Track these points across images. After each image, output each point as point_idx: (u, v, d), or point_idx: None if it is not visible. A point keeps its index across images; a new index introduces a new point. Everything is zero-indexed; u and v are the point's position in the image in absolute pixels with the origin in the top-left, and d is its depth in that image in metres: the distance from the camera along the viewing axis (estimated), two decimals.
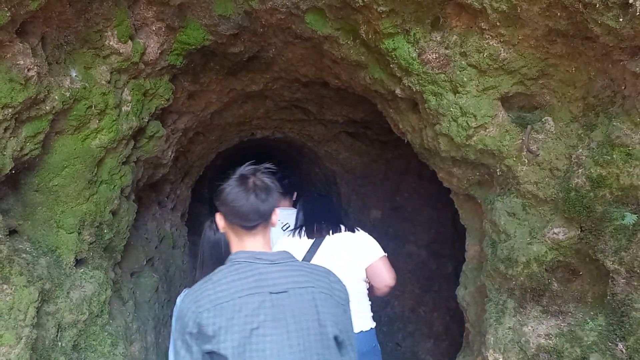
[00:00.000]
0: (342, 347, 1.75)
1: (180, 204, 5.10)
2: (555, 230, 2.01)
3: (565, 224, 1.99)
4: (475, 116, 2.15)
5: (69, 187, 2.37)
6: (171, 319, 4.04)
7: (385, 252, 2.82)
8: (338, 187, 5.92)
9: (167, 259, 4.31)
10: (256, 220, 1.77)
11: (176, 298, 4.39)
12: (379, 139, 4.88)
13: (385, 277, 2.81)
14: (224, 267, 1.77)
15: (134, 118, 2.59)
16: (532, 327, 2.02)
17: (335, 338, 1.71)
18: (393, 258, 5.24)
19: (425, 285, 5.15)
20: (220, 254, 2.14)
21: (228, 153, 7.68)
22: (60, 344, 2.17)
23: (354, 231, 2.94)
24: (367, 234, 2.99)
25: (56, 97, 2.13)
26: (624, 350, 1.70)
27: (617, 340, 1.73)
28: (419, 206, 5.11)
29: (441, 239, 5.09)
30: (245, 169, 1.85)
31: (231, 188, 1.80)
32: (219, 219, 1.86)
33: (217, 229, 2.00)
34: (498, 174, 2.22)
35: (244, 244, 1.80)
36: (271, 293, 1.69)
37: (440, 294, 5.09)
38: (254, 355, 1.62)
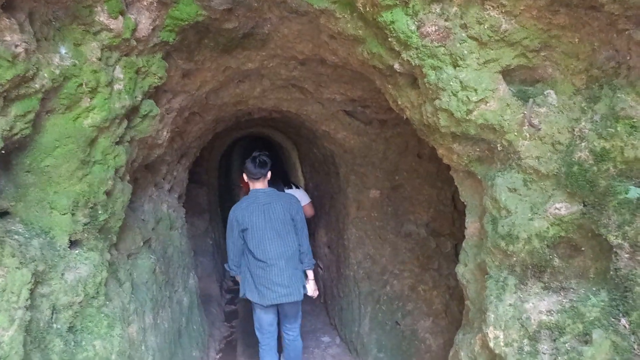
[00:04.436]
0: (297, 227, 4.45)
1: (177, 185, 5.06)
2: (557, 206, 1.97)
3: (567, 199, 1.95)
4: (475, 90, 2.10)
5: (62, 168, 2.32)
6: (169, 299, 4.05)
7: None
8: (337, 167, 5.87)
9: (164, 240, 4.29)
10: (258, 174, 4.37)
11: (174, 280, 4.40)
12: (377, 117, 4.83)
13: (309, 212, 6.00)
14: (246, 196, 4.51)
15: (126, 97, 2.53)
16: (533, 303, 1.99)
17: (293, 220, 4.43)
18: (393, 237, 5.24)
19: (424, 264, 5.14)
20: None
21: (225, 133, 7.63)
22: (55, 325, 2.15)
23: (298, 187, 6.17)
24: (303, 189, 6.29)
25: (46, 74, 2.07)
26: (627, 326, 1.68)
27: (620, 315, 1.70)
28: (418, 185, 5.08)
29: (440, 217, 5.06)
30: (255, 153, 4.49)
31: (249, 162, 4.40)
32: (245, 177, 4.48)
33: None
34: (499, 149, 2.18)
35: (255, 185, 4.44)
36: (263, 204, 4.37)
37: (440, 272, 5.08)
38: (257, 228, 4.29)
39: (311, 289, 4.63)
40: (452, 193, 5.03)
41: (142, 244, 3.50)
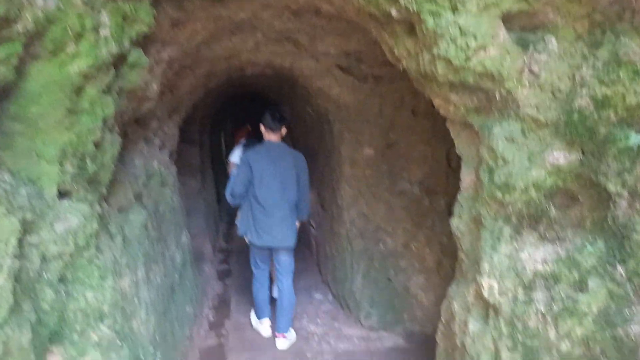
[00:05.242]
0: (299, 180, 4.97)
1: (168, 141, 4.99)
2: (556, 155, 1.94)
3: (566, 148, 1.92)
4: (475, 36, 2.03)
5: (48, 116, 2.25)
6: (162, 256, 4.04)
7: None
8: (331, 125, 5.81)
9: (156, 197, 4.24)
10: (275, 127, 4.88)
11: (167, 236, 4.38)
12: (372, 73, 4.74)
13: None
14: (260, 145, 5.05)
15: (113, 43, 2.44)
16: (528, 253, 1.98)
17: (298, 176, 4.94)
18: (387, 195, 5.23)
19: (417, 222, 5.15)
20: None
21: (217, 92, 7.51)
22: (45, 275, 2.12)
23: None
24: None
25: (28, 17, 1.98)
26: (623, 274, 1.67)
27: (617, 263, 1.69)
28: (413, 143, 5.04)
29: (435, 175, 5.05)
30: (274, 107, 5.15)
31: (269, 115, 4.88)
32: (262, 127, 4.96)
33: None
34: (497, 98, 2.13)
35: (269, 137, 4.94)
36: (275, 156, 4.88)
37: (433, 230, 5.10)
38: (265, 175, 4.83)
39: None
40: (446, 151, 5.00)
41: (133, 199, 3.46)
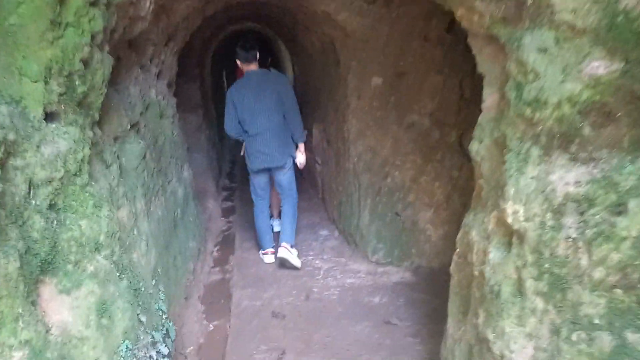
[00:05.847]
0: (284, 102, 5.13)
1: (166, 71, 4.75)
2: (595, 65, 1.72)
3: (606, 57, 1.70)
4: None
5: (29, 28, 2.03)
6: (162, 189, 3.90)
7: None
8: (337, 55, 5.53)
9: (154, 127, 4.06)
10: (250, 57, 5.12)
11: (167, 170, 4.24)
12: None
13: None
14: (241, 78, 5.24)
15: None
16: (559, 175, 1.81)
17: (280, 97, 5.10)
18: (395, 128, 5.02)
19: (427, 155, 4.97)
20: None
21: (216, 23, 7.18)
22: (34, 202, 1.96)
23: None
24: None
25: None
26: None
27: None
28: (424, 72, 4.78)
29: (446, 106, 4.82)
30: (241, 39, 5.17)
31: (239, 48, 5.10)
32: (238, 63, 5.21)
33: None
34: (528, 3, 1.90)
35: (248, 68, 5.16)
36: (255, 83, 5.13)
37: (443, 163, 4.93)
38: (248, 105, 5.13)
39: (300, 159, 5.42)
40: (459, 80, 4.76)
41: (129, 127, 3.27)
